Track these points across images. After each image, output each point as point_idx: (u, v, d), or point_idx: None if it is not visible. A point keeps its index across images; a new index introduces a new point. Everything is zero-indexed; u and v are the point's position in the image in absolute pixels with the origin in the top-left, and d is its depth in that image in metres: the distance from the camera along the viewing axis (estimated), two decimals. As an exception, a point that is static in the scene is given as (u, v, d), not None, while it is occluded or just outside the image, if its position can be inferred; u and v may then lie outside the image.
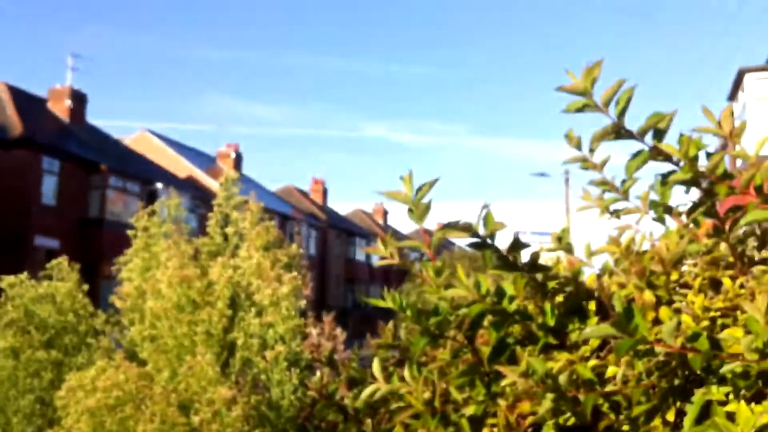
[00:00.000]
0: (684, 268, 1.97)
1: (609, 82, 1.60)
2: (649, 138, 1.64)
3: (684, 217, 1.84)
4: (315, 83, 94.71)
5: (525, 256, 1.95)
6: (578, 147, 1.90)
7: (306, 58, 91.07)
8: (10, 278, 9.69)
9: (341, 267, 56.75)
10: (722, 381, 1.51)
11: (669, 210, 1.92)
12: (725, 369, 1.42)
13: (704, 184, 1.66)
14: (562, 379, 1.47)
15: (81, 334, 9.54)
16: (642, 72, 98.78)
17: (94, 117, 53.72)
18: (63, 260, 10.01)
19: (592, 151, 1.92)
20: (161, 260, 9.09)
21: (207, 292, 8.37)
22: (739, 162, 19.30)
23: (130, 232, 10.17)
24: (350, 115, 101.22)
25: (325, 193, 62.95)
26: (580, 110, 1.61)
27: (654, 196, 1.90)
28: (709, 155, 1.56)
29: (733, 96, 21.73)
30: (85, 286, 10.05)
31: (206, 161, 46.43)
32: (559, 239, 2.24)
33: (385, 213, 74.70)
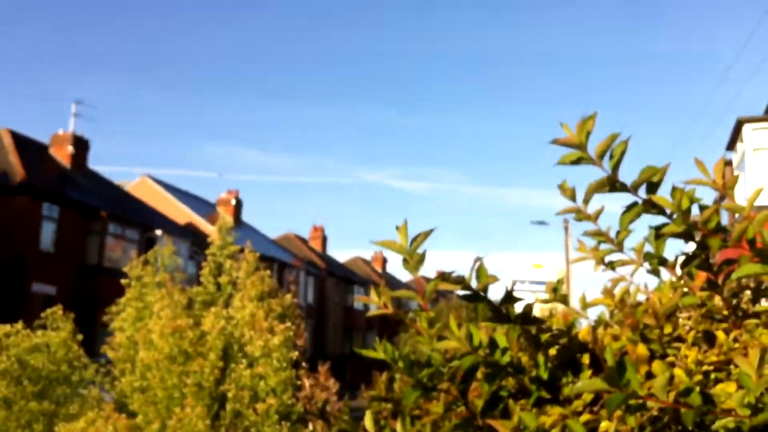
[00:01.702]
0: (680, 320, 1.96)
1: (608, 131, 1.61)
2: (642, 191, 1.65)
3: (678, 270, 1.84)
4: (315, 132, 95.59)
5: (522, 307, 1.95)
6: (572, 198, 1.90)
7: (305, 107, 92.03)
8: (6, 327, 9.64)
9: (340, 315, 56.49)
10: (715, 436, 1.49)
11: (663, 262, 1.92)
12: (718, 425, 1.41)
13: (698, 237, 1.66)
14: (554, 433, 1.45)
15: (73, 384, 9.46)
16: (640, 121, 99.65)
17: (95, 162, 54.07)
18: (58, 309, 9.97)
19: (586, 202, 1.93)
20: (154, 310, 9.06)
21: (199, 343, 8.32)
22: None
23: (123, 282, 10.14)
24: (350, 163, 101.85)
25: (324, 240, 62.96)
26: (574, 163, 1.62)
27: (649, 248, 1.90)
28: (702, 208, 1.57)
29: (731, 146, 21.84)
30: (80, 336, 10.00)
31: (206, 208, 46.51)
32: (554, 290, 2.23)
33: (384, 261, 74.59)
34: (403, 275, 72.91)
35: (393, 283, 64.52)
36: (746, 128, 20.09)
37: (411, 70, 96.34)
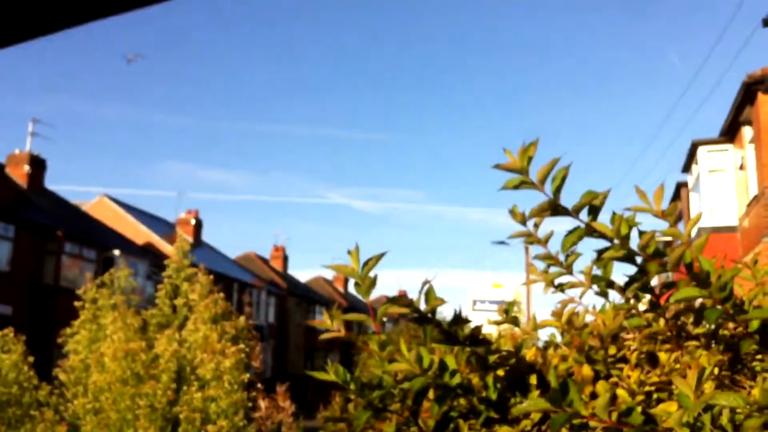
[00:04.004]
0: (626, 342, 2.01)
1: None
2: (584, 215, 1.69)
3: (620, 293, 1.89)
4: (275, 150, 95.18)
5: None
6: (523, 222, 1.95)
7: (266, 125, 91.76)
8: (-43, 350, 9.49)
9: (301, 334, 56.18)
10: (657, 455, 1.53)
11: (611, 284, 1.97)
12: (657, 444, 1.45)
13: (639, 261, 1.71)
14: (500, 453, 1.49)
15: (24, 407, 9.34)
16: (597, 144, 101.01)
17: (52, 182, 53.26)
18: (9, 332, 9.85)
19: (536, 226, 1.98)
20: (107, 333, 9.00)
21: (152, 366, 8.28)
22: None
23: (77, 304, 10.05)
24: (311, 182, 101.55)
25: (285, 260, 62.68)
26: (516, 187, 1.66)
27: (597, 271, 1.95)
28: (641, 233, 1.62)
29: (687, 168, 22.22)
30: (31, 358, 9.87)
31: (165, 228, 46.05)
32: (506, 312, 2.27)
33: (346, 281, 74.47)
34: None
35: (355, 303, 64.37)
36: (701, 150, 20.46)
37: (370, 87, 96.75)
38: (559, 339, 2.22)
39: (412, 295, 1.83)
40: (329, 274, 73.70)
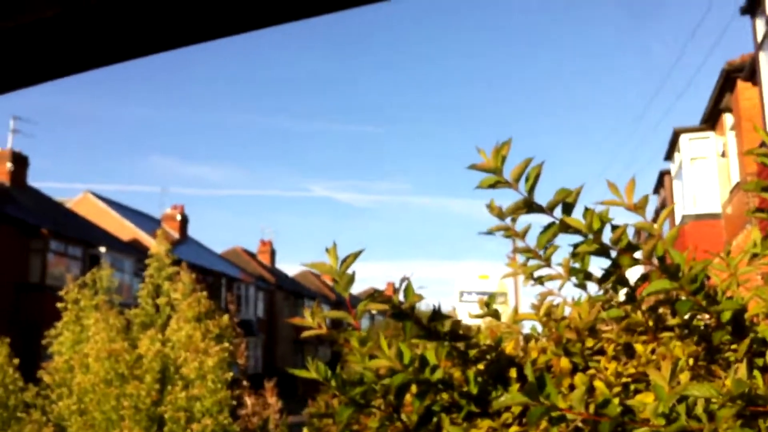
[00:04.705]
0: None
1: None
2: (558, 211, 1.72)
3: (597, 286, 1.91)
4: (260, 144, 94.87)
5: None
6: (501, 216, 1.97)
7: (249, 118, 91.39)
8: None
9: (290, 329, 56.17)
10: (635, 445, 1.56)
11: (588, 276, 2.00)
12: (633, 434, 1.48)
13: (613, 254, 1.73)
14: (479, 447, 1.51)
15: (11, 409, 9.34)
16: (580, 132, 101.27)
17: (35, 179, 52.86)
18: (-7, 334, 9.85)
19: (513, 220, 2.00)
20: (90, 333, 9.02)
21: (136, 366, 8.31)
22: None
23: (59, 305, 10.03)
24: (296, 176, 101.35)
25: (272, 254, 62.62)
26: (492, 186, 1.68)
27: (575, 263, 1.98)
28: (614, 228, 1.64)
29: (669, 156, 22.33)
30: (16, 360, 9.86)
31: (151, 224, 45.89)
32: (487, 305, 2.30)
33: (334, 274, 74.30)
34: (355, 288, 72.64)
35: (342, 297, 64.31)
36: (683, 138, 20.58)
37: (353, 78, 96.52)
38: (540, 331, 2.25)
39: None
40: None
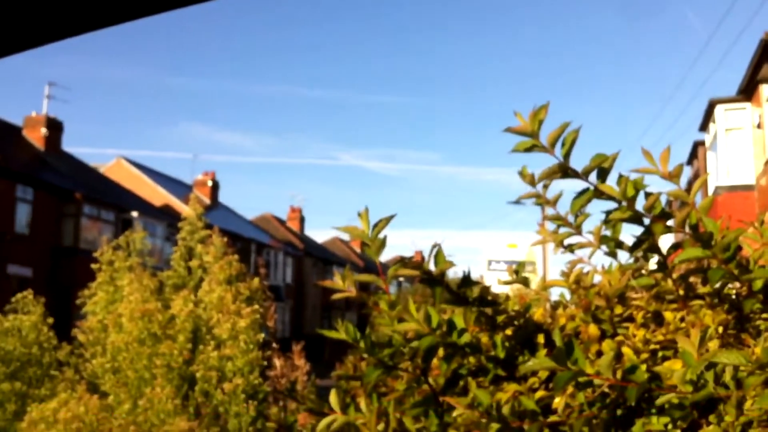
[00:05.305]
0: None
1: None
2: (594, 177, 1.71)
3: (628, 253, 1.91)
4: (291, 112, 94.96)
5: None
6: (532, 183, 1.96)
7: (281, 87, 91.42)
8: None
9: (318, 295, 56.55)
10: (661, 411, 1.57)
11: (620, 244, 1.99)
12: (661, 400, 1.48)
13: (646, 222, 1.72)
14: (506, 410, 1.52)
15: (45, 366, 9.55)
16: (615, 104, 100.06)
17: (69, 145, 53.35)
18: (28, 294, 10.05)
19: (545, 187, 1.99)
20: (124, 294, 9.18)
21: (168, 326, 8.43)
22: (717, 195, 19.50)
23: (94, 266, 10.20)
24: (326, 144, 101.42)
25: (302, 221, 62.89)
26: (527, 150, 1.67)
27: (606, 231, 1.97)
28: (648, 195, 1.63)
29: (704, 127, 22.02)
30: (50, 319, 10.06)
31: (183, 189, 46.23)
32: (516, 272, 2.30)
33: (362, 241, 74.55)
34: (383, 255, 72.80)
35: (371, 263, 64.61)
36: (718, 109, 20.27)
37: (385, 49, 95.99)
38: (568, 299, 2.25)
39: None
40: (345, 235, 73.90)
